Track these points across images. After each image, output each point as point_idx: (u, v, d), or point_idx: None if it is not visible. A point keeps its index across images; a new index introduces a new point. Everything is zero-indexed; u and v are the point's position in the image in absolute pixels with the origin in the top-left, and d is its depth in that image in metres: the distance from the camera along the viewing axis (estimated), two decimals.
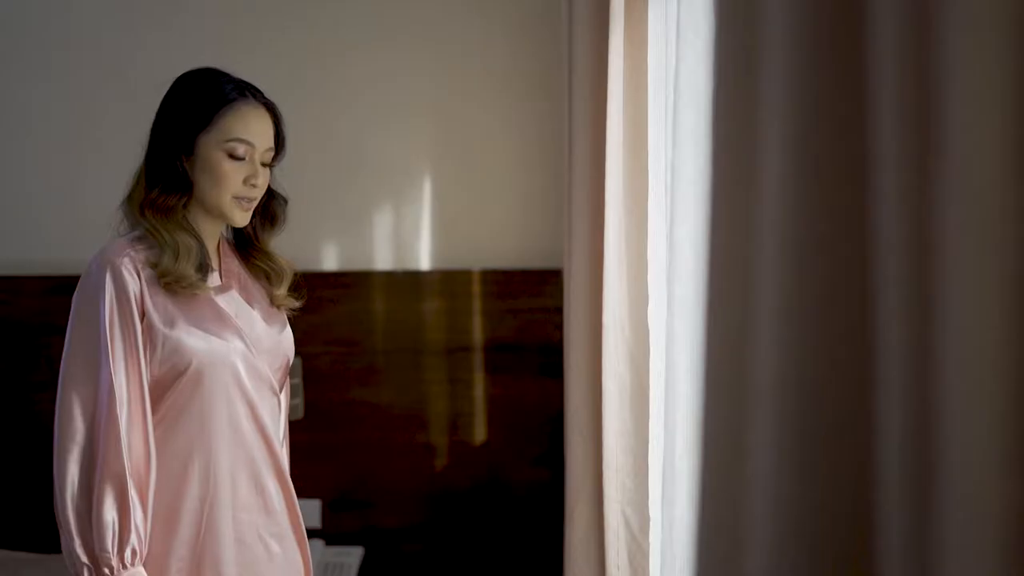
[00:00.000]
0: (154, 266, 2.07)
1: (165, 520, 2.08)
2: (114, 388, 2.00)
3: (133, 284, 2.04)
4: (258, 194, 2.17)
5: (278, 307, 2.28)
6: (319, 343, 3.50)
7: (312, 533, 3.32)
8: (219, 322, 2.12)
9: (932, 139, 1.06)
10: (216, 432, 2.10)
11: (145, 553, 2.02)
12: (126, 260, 2.05)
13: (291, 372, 2.74)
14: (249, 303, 2.22)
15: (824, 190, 1.25)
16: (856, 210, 1.21)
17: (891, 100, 1.13)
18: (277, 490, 2.20)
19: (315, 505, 3.49)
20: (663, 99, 2.49)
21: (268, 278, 2.28)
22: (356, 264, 3.58)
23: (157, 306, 2.06)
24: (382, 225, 3.57)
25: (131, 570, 1.99)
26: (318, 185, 3.52)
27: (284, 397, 2.36)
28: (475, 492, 3.51)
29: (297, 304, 2.31)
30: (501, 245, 3.55)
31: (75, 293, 2.08)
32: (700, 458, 1.50)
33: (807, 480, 1.26)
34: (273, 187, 2.25)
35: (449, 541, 3.53)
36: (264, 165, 2.17)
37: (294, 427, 2.92)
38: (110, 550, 1.97)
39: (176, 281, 2.06)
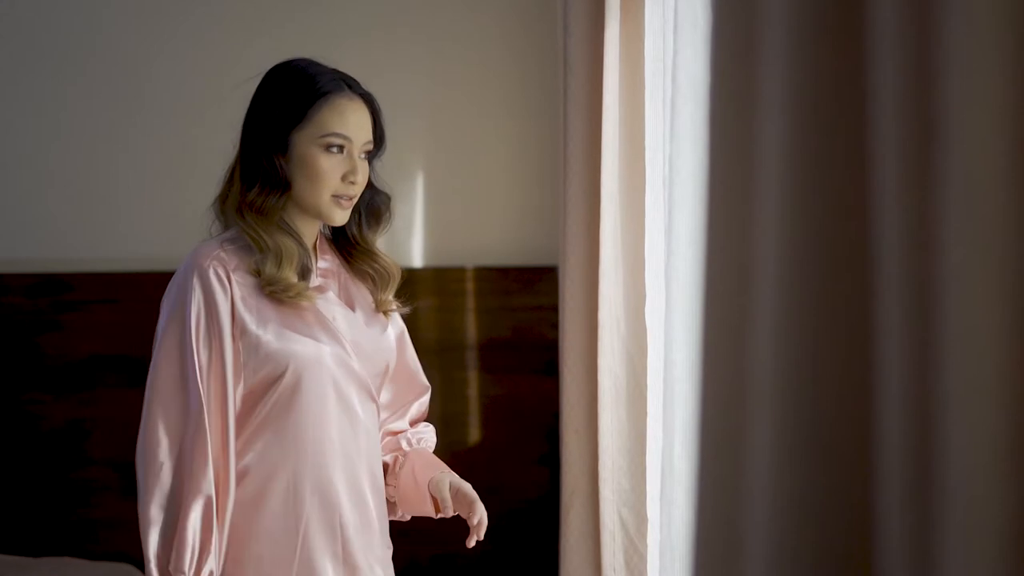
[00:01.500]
0: (256, 273, 1.97)
1: (253, 540, 1.98)
2: (203, 402, 1.92)
3: (222, 289, 1.95)
4: (358, 191, 2.04)
5: (383, 312, 2.15)
6: None
7: None
8: (316, 326, 2.01)
9: (932, 136, 1.06)
10: (316, 444, 2.00)
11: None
12: (215, 263, 1.96)
13: None
14: (350, 304, 2.10)
15: (823, 186, 1.24)
16: (856, 206, 1.21)
17: (891, 94, 1.12)
18: (377, 507, 2.09)
19: None
20: (660, 93, 2.48)
21: (372, 279, 2.15)
22: None
23: (250, 309, 1.97)
24: None
25: None
26: None
27: (425, 400, 2.26)
28: None
29: (404, 309, 2.19)
30: (495, 242, 3.53)
31: (164, 298, 2.01)
32: (698, 457, 1.49)
33: (807, 480, 1.26)
34: (374, 182, 2.12)
35: (444, 543, 3.51)
36: (363, 159, 2.05)
37: None
38: (186, 570, 1.89)
39: (283, 291, 1.96)
